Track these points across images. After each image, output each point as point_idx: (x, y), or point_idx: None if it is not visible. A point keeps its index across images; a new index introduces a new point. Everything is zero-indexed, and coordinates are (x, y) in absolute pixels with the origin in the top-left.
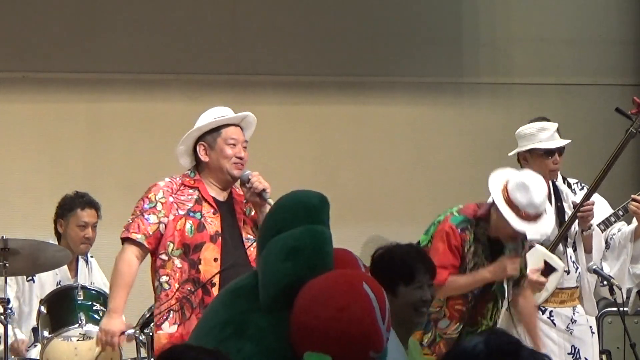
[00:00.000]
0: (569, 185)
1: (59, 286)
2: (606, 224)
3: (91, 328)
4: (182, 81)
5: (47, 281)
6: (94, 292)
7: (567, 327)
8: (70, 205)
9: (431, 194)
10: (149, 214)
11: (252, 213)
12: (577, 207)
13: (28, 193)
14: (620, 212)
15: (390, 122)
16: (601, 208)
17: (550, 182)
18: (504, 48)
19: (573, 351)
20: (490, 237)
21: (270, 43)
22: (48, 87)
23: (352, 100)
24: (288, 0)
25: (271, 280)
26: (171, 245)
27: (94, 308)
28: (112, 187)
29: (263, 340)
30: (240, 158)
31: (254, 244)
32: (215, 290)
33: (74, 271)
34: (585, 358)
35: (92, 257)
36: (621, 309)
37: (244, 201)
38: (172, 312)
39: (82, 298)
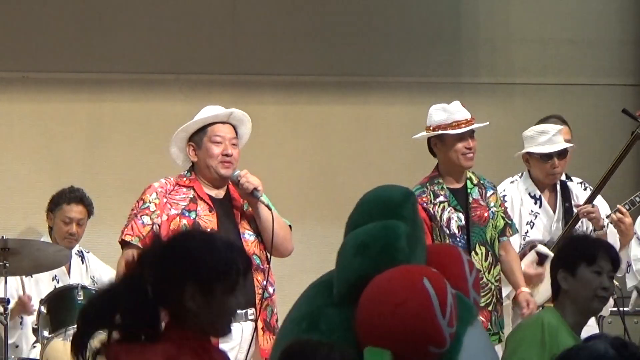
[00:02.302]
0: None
1: (59, 286)
2: (631, 204)
3: None
4: (182, 81)
5: (42, 277)
6: (94, 292)
7: None
8: (58, 200)
9: None
10: (143, 215)
11: (250, 209)
12: (579, 210)
13: (28, 193)
14: (627, 207)
15: (390, 122)
16: (600, 209)
17: (559, 182)
18: (504, 48)
19: None
20: (451, 188)
21: (270, 43)
22: (48, 87)
23: (352, 100)
24: (288, 0)
25: (342, 275)
26: None
27: None
28: (112, 186)
29: (332, 334)
30: (228, 155)
31: (253, 239)
32: None
33: (68, 269)
34: None
35: (88, 252)
36: (621, 308)
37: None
38: None
39: (82, 298)
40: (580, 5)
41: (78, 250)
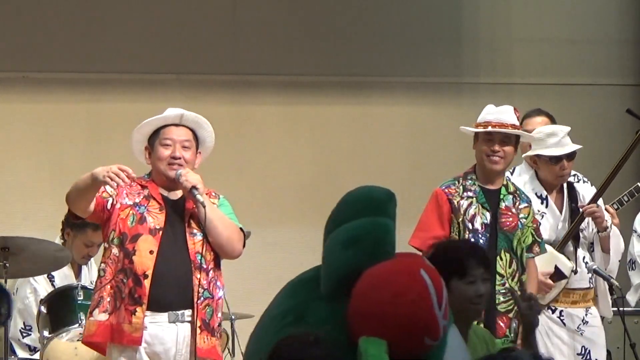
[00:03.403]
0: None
1: (59, 286)
2: (619, 203)
3: None
4: (182, 81)
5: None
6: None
7: (577, 328)
8: (84, 223)
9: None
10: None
11: None
12: (583, 210)
13: (28, 193)
14: (615, 206)
15: (390, 122)
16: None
17: (566, 183)
18: (504, 48)
19: (583, 352)
20: (483, 187)
21: (270, 43)
22: (48, 87)
23: (352, 101)
24: (288, 0)
25: (332, 268)
26: (112, 233)
27: None
28: None
29: (320, 328)
30: (175, 158)
31: (199, 238)
32: (147, 282)
33: (77, 273)
34: (596, 359)
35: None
36: (621, 308)
37: None
38: (102, 300)
39: (82, 298)
40: (580, 5)
41: None
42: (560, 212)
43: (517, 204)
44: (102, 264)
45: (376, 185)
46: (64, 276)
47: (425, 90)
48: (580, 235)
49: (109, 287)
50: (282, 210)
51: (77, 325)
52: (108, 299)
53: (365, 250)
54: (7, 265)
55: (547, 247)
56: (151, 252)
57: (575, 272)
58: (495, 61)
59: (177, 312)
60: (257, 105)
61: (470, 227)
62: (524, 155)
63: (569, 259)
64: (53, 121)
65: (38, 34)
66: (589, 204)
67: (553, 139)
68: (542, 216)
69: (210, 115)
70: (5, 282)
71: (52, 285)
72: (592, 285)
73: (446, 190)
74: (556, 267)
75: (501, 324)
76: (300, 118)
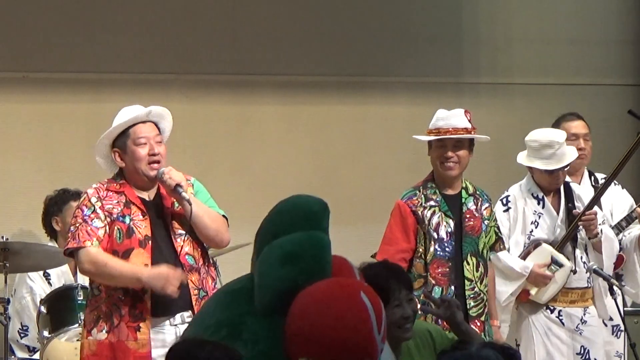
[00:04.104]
0: (596, 181)
1: (59, 286)
2: (618, 228)
3: None
4: (182, 81)
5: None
6: None
7: (576, 327)
8: (63, 199)
9: None
10: (93, 220)
11: (180, 207)
12: (580, 213)
13: (28, 193)
14: (634, 215)
15: (390, 122)
16: (623, 200)
17: (563, 184)
18: (504, 48)
19: (582, 351)
20: (444, 194)
21: (270, 43)
22: (48, 87)
23: (352, 101)
24: (288, 0)
25: (268, 284)
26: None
27: None
28: None
29: (257, 344)
30: (154, 155)
31: (185, 238)
32: (147, 297)
33: (74, 270)
34: (595, 359)
35: None
36: (621, 309)
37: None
38: (99, 319)
39: (81, 298)
40: (580, 5)
41: None
42: (557, 213)
43: (479, 204)
44: (94, 282)
45: (310, 195)
46: (60, 274)
47: (425, 90)
48: (578, 236)
49: (104, 306)
50: None
51: (77, 325)
52: (105, 318)
53: (303, 268)
54: (7, 265)
55: (547, 246)
56: (146, 265)
57: (575, 272)
58: (495, 61)
59: (177, 315)
60: (257, 105)
61: (436, 236)
62: (518, 159)
63: (567, 259)
64: (53, 121)
65: (38, 34)
66: (588, 204)
67: (548, 150)
68: (539, 217)
69: (210, 115)
70: (6, 281)
71: (49, 283)
72: (590, 285)
73: (408, 202)
74: (552, 259)
75: (474, 328)
76: (300, 118)
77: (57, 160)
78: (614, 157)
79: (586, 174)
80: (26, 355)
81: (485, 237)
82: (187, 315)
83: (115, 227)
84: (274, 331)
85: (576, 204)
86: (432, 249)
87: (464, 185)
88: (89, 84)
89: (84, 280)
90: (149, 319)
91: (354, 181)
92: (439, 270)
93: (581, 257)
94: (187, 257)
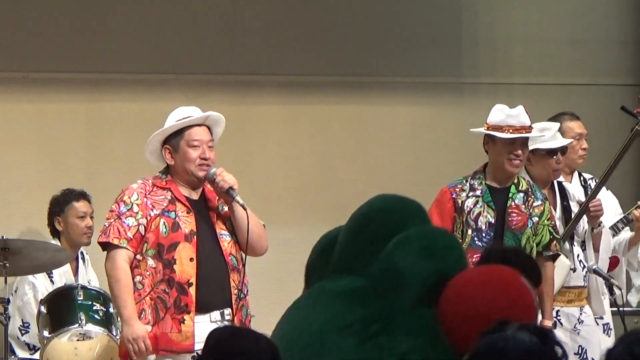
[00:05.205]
0: (585, 181)
1: (59, 286)
2: (614, 229)
3: (91, 328)
4: (182, 81)
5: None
6: (94, 292)
7: (574, 327)
8: (65, 200)
9: (431, 194)
10: (127, 217)
11: (226, 209)
12: (583, 205)
13: (28, 193)
14: (631, 217)
15: (390, 122)
16: (610, 204)
17: (555, 181)
18: (504, 48)
19: (580, 351)
20: (490, 186)
21: (270, 43)
22: (48, 87)
23: (353, 100)
24: (288, 0)
25: (412, 280)
26: (146, 245)
27: (94, 308)
28: (112, 186)
29: (417, 338)
30: (205, 159)
31: (228, 239)
32: (192, 290)
33: (75, 270)
34: (592, 358)
35: (86, 253)
36: (621, 309)
37: (217, 197)
38: (144, 312)
39: (82, 298)
40: (580, 5)
41: (80, 252)
42: (554, 210)
43: (531, 201)
44: (138, 277)
45: (392, 194)
46: (62, 272)
47: (425, 90)
48: (575, 233)
49: (148, 298)
50: (282, 210)
51: (77, 325)
52: (149, 311)
53: (443, 259)
54: (7, 265)
55: None
56: (191, 259)
57: (574, 270)
58: (495, 61)
59: (218, 311)
60: (257, 105)
61: (474, 226)
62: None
63: (566, 257)
64: (53, 121)
65: (38, 34)
66: (588, 199)
67: (547, 133)
68: None
69: None
70: (6, 281)
71: (51, 281)
72: (585, 284)
73: (452, 189)
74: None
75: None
76: (301, 118)
77: (57, 160)
78: (614, 156)
79: (576, 173)
80: (27, 355)
81: (534, 234)
82: (227, 313)
83: (161, 221)
84: (427, 322)
85: (571, 202)
86: (469, 237)
87: (515, 181)
88: (88, 84)
89: (84, 280)
90: (194, 311)
91: (354, 181)
92: (474, 259)
93: (578, 255)
94: (230, 256)
